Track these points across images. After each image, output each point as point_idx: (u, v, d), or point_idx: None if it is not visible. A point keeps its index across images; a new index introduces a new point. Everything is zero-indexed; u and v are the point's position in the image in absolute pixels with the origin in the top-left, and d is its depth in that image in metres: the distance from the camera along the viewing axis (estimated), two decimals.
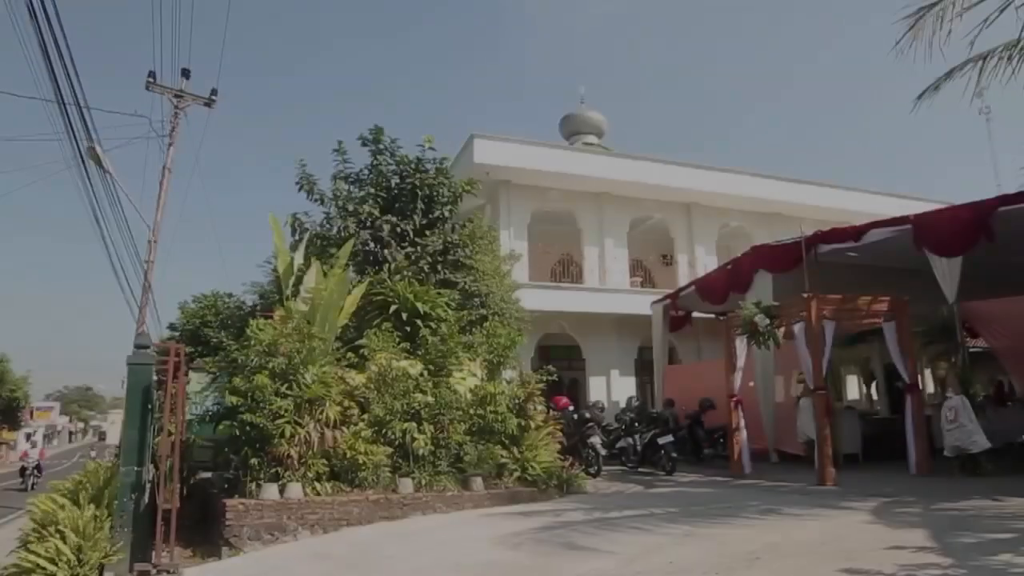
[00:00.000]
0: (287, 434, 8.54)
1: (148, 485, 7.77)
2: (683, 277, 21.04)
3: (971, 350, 12.94)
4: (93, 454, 30.84)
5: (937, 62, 9.14)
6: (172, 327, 18.35)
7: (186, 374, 8.62)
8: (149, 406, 7.66)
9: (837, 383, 18.98)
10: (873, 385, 20.12)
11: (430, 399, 9.89)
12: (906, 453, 11.17)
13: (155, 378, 7.98)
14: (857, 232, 12.03)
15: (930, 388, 18.75)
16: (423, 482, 9.37)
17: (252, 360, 9.12)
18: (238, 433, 8.80)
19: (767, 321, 11.45)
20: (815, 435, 11.31)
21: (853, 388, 22.68)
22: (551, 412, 12.65)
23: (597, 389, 20.22)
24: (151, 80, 16.91)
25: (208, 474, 10.94)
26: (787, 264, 12.91)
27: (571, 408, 14.40)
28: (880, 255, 12.60)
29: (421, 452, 9.46)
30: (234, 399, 8.79)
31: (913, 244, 11.05)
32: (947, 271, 10.65)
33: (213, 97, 17.80)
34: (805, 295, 11.28)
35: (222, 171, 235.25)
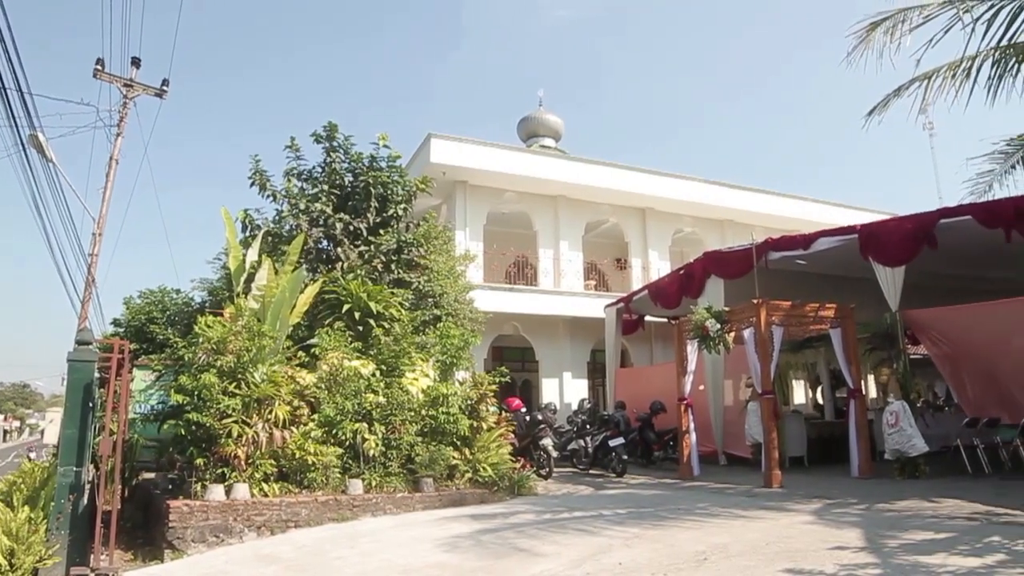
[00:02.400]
0: (235, 434, 8.39)
1: (88, 486, 7.53)
2: (637, 281, 21.28)
3: (912, 356, 13.33)
4: (32, 455, 29.75)
5: (887, 76, 9.39)
6: (116, 323, 17.81)
7: (130, 371, 8.41)
8: (90, 404, 7.43)
9: (784, 387, 19.36)
10: (819, 390, 20.58)
11: (382, 399, 9.81)
12: (849, 456, 11.46)
13: (97, 375, 7.75)
14: (806, 240, 12.32)
15: (873, 393, 19.29)
16: (373, 483, 9.29)
17: (199, 358, 8.94)
18: (183, 432, 8.63)
19: (718, 326, 11.62)
20: (762, 438, 11.52)
21: (800, 393, 23.18)
22: (503, 413, 12.66)
23: (550, 391, 20.29)
24: (99, 68, 16.39)
25: (152, 475, 10.71)
26: (738, 270, 13.14)
27: (523, 410, 14.40)
28: (828, 263, 12.94)
29: (372, 453, 9.37)
30: (180, 398, 8.61)
31: (859, 253, 11.37)
32: (891, 280, 10.97)
33: (164, 88, 17.30)
34: (755, 301, 11.47)
35: (172, 164, 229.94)
